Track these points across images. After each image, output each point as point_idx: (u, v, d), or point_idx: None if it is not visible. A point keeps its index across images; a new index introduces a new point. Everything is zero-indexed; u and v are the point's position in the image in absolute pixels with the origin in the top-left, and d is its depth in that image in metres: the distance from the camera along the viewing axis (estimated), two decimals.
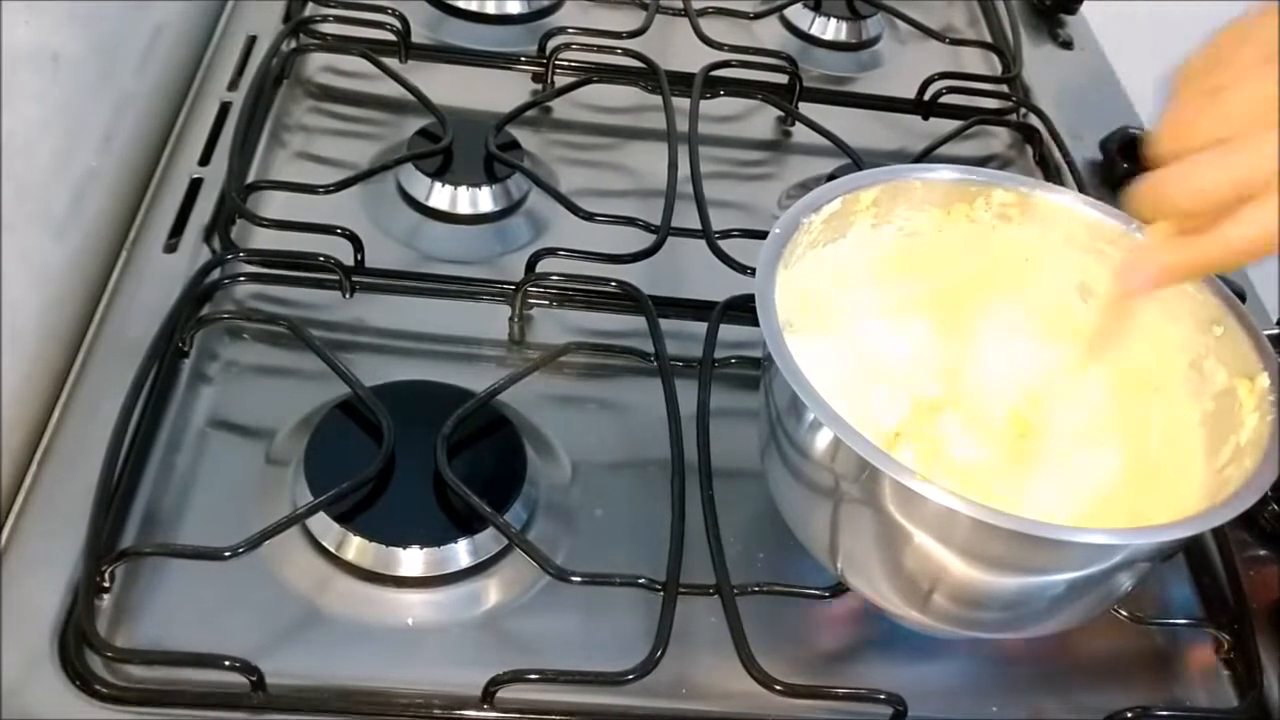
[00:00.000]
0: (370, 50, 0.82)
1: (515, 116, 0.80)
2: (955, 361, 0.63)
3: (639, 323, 0.69)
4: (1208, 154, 0.47)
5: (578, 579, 0.56)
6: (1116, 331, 0.58)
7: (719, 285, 0.70)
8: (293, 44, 0.84)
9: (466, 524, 0.58)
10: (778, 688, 0.53)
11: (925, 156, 0.83)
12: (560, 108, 0.85)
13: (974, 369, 0.62)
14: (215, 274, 0.68)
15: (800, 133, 0.86)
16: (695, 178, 0.75)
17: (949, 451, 0.60)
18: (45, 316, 0.65)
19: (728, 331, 0.68)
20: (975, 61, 0.97)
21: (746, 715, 0.55)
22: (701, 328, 0.69)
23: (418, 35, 0.86)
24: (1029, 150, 0.90)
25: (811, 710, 0.55)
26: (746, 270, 0.69)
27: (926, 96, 0.90)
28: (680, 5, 0.92)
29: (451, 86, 0.83)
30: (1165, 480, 0.57)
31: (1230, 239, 0.48)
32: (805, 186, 0.81)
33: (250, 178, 0.74)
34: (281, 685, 0.52)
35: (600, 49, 0.86)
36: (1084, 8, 1.05)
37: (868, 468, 0.48)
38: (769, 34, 0.95)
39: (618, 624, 0.57)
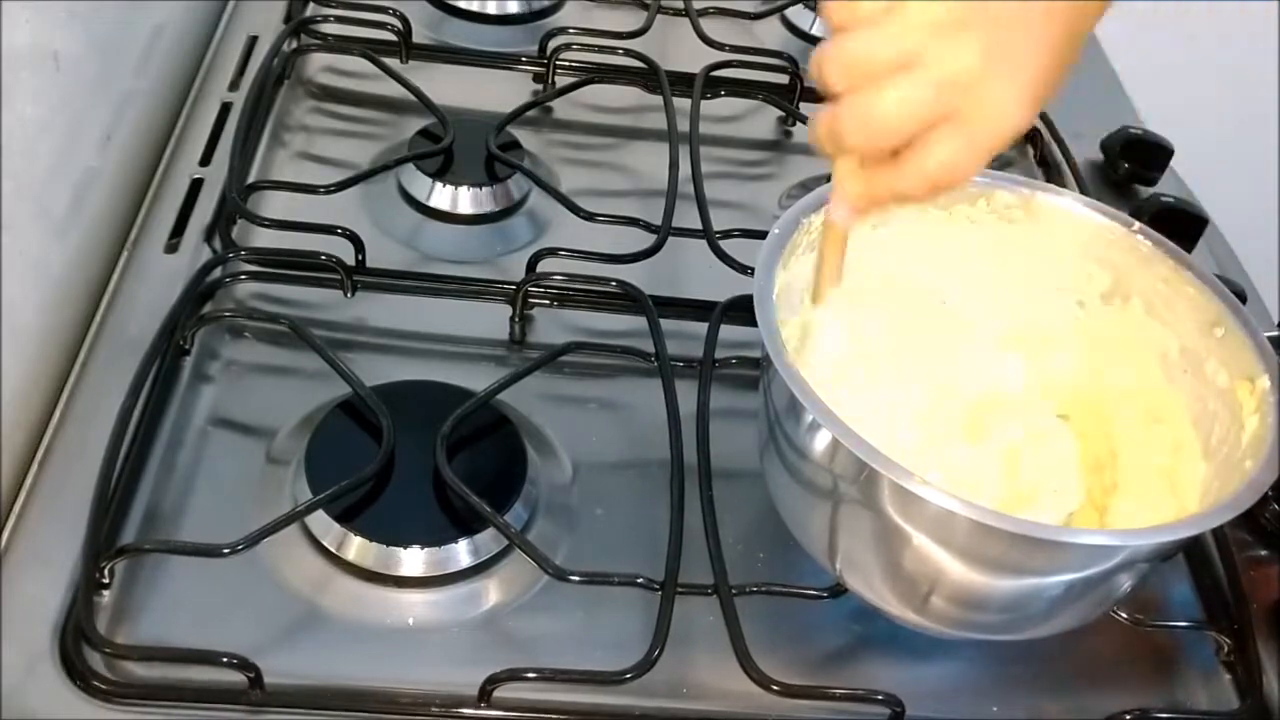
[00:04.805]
0: (371, 50, 0.82)
1: (516, 117, 0.80)
2: (955, 362, 0.63)
3: (639, 323, 0.69)
4: (876, 83, 0.46)
5: (576, 578, 0.56)
6: (838, 267, 0.56)
7: (719, 285, 0.70)
8: (294, 44, 0.84)
9: (466, 524, 0.58)
10: (775, 688, 0.53)
11: None
12: (561, 108, 0.85)
13: (973, 370, 0.62)
14: (216, 273, 0.68)
15: (801, 133, 0.86)
16: (696, 178, 0.75)
17: (946, 452, 0.60)
18: (46, 316, 0.65)
19: (728, 331, 0.68)
20: None
21: (744, 715, 0.55)
22: (702, 328, 0.69)
23: (419, 35, 0.86)
24: (1030, 150, 0.90)
25: (809, 710, 0.55)
26: (747, 270, 0.69)
27: None
28: (681, 5, 0.92)
29: (452, 87, 0.83)
30: (1165, 481, 0.57)
31: (922, 166, 0.48)
32: (806, 186, 0.81)
33: (251, 178, 0.74)
34: (280, 683, 0.52)
35: (601, 49, 0.86)
36: None
37: (866, 469, 0.48)
38: (770, 34, 0.95)
39: (617, 624, 0.57)
